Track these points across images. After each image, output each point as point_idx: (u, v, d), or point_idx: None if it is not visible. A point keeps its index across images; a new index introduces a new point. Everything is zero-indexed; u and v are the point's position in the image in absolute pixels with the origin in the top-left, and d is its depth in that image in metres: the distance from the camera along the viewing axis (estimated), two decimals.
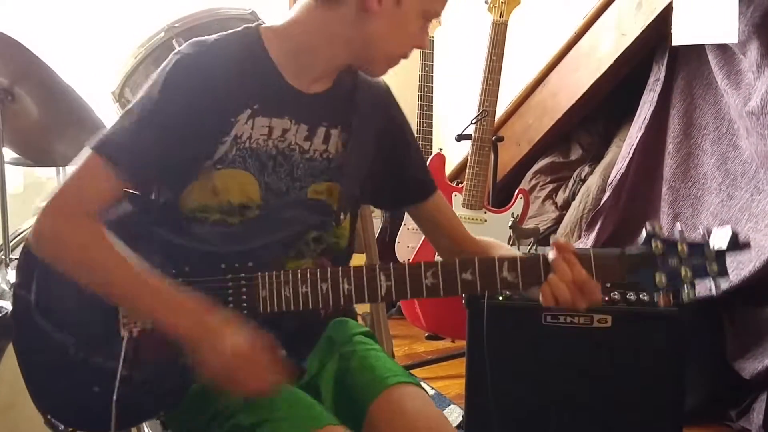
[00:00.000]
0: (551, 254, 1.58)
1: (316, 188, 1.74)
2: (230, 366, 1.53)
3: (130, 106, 1.63)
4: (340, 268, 1.62)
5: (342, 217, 1.76)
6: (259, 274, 1.61)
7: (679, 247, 1.53)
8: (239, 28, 1.71)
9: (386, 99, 1.85)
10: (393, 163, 1.85)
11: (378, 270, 1.60)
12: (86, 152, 1.58)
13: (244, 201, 1.68)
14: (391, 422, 1.68)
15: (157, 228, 1.66)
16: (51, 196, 1.55)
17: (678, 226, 1.56)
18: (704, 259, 1.52)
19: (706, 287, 1.52)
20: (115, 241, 1.56)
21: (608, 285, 2.58)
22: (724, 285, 1.49)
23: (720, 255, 1.51)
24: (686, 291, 1.53)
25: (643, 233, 1.56)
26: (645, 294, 2.62)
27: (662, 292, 1.55)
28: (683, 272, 1.53)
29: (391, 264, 1.60)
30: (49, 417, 1.75)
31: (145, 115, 1.60)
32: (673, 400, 2.56)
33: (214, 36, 1.67)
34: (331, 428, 1.57)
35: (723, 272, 1.52)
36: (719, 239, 1.51)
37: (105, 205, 1.59)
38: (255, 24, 1.73)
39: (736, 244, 1.50)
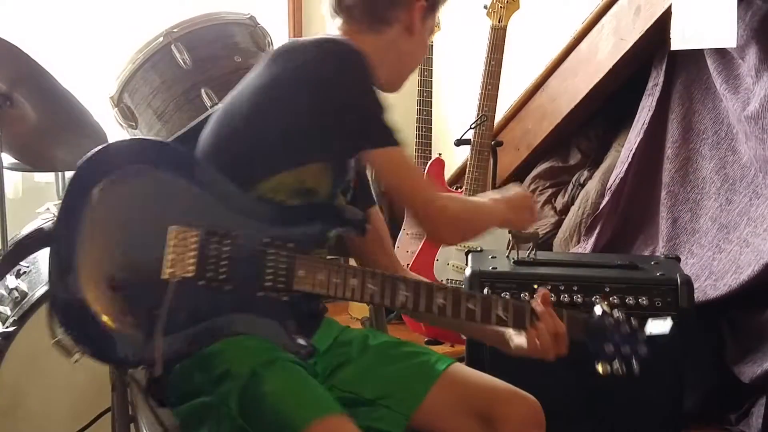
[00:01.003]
0: (538, 306, 1.79)
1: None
2: (525, 216, 1.96)
3: (359, 102, 1.77)
4: (369, 269, 1.77)
5: None
6: (299, 255, 1.73)
7: (623, 328, 1.82)
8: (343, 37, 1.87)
9: None
10: None
11: (399, 280, 1.76)
12: (392, 150, 1.77)
13: (314, 186, 1.82)
14: (461, 396, 1.87)
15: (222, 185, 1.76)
16: (419, 195, 1.82)
17: (618, 312, 1.86)
18: (637, 342, 1.81)
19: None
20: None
21: (607, 289, 2.58)
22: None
23: (649, 339, 1.82)
24: (617, 366, 1.81)
25: (599, 309, 1.84)
26: (644, 298, 2.63)
27: (603, 360, 1.81)
28: (623, 348, 1.81)
29: (413, 278, 1.81)
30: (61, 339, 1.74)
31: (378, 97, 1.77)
32: (672, 403, 2.57)
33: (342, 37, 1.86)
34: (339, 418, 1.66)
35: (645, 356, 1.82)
36: (658, 327, 1.84)
37: None
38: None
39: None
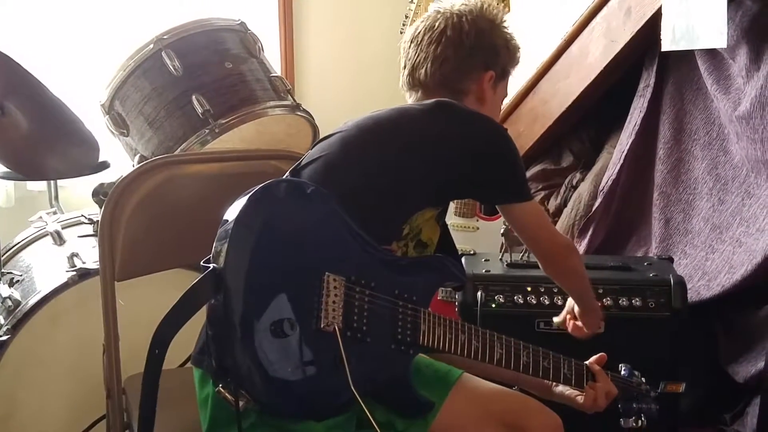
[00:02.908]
0: (596, 366, 2.06)
1: None
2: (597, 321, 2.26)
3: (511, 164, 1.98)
4: (474, 326, 1.87)
5: None
6: (423, 309, 1.79)
7: (643, 387, 2.14)
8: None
9: None
10: None
11: (495, 338, 1.89)
12: (525, 205, 1.99)
13: (426, 240, 1.95)
14: (480, 405, 1.95)
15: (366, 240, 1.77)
16: (552, 242, 2.07)
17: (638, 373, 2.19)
18: (652, 400, 2.14)
19: None
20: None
21: (600, 290, 2.59)
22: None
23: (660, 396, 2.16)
24: (639, 423, 2.12)
25: (625, 369, 2.16)
26: (637, 300, 2.64)
27: (630, 417, 2.11)
28: (653, 407, 2.12)
29: (504, 337, 1.91)
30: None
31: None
32: (666, 404, 2.56)
33: None
34: None
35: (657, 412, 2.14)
36: (671, 386, 2.19)
37: None
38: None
39: None
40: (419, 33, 2.10)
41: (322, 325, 1.64)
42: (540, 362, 1.95)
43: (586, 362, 2.05)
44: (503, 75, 2.16)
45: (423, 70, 2.06)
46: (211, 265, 1.62)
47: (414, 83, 2.09)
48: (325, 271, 1.66)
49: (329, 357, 1.64)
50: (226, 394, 1.60)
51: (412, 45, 2.10)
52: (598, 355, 2.09)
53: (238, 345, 1.58)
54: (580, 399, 2.02)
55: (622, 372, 2.13)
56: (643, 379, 2.14)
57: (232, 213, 1.64)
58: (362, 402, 1.64)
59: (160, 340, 1.61)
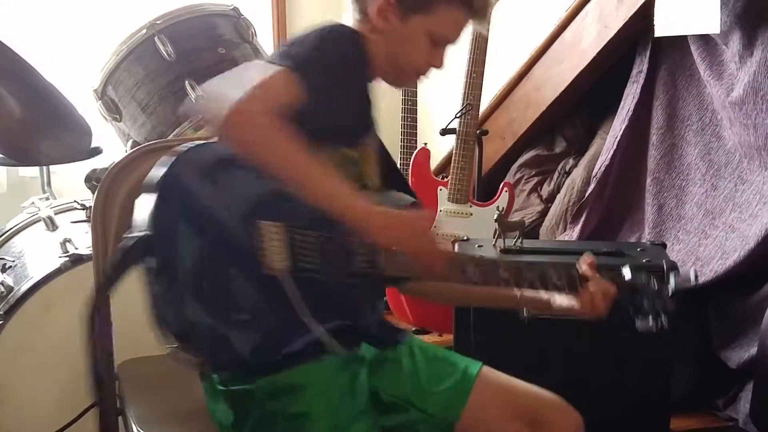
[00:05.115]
0: (585, 268, 1.84)
1: None
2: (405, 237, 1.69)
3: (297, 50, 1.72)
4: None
5: None
6: None
7: (652, 285, 1.86)
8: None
9: None
10: None
11: (466, 258, 1.84)
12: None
13: (366, 182, 1.85)
14: (502, 399, 1.94)
15: None
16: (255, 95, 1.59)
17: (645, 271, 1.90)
18: (665, 299, 1.84)
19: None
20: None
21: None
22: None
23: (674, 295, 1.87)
24: (652, 323, 1.85)
25: (627, 271, 1.87)
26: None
27: (642, 317, 1.85)
28: (657, 305, 1.84)
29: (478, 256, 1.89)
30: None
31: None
32: (659, 389, 2.57)
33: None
34: None
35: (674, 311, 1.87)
36: (683, 281, 1.88)
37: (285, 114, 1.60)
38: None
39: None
40: None
41: (268, 268, 1.62)
42: (524, 277, 1.82)
43: (576, 265, 1.88)
44: (418, 7, 1.83)
45: None
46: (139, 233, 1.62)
47: None
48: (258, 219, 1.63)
49: (280, 298, 1.61)
50: (185, 357, 1.60)
51: None
52: (587, 258, 1.89)
53: (188, 303, 1.58)
54: (578, 306, 1.87)
55: (626, 273, 1.89)
56: (652, 277, 1.89)
57: (151, 179, 1.65)
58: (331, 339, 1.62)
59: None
